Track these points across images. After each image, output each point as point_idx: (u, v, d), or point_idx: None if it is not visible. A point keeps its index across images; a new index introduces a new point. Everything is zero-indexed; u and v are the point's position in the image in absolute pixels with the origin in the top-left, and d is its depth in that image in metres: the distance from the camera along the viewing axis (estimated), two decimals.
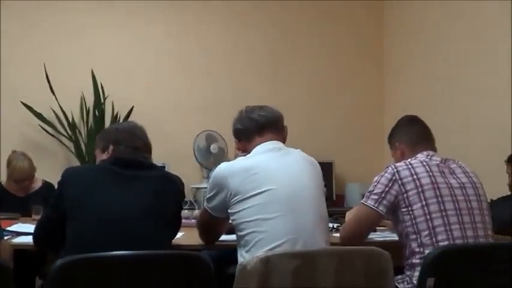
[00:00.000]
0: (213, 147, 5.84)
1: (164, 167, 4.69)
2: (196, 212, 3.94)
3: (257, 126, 2.81)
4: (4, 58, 5.85)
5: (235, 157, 2.84)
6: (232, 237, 2.87)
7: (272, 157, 2.71)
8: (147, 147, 2.86)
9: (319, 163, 2.88)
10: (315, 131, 6.20)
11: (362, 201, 2.88)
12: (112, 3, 6.04)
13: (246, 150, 2.84)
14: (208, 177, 5.53)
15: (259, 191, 2.56)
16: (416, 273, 2.60)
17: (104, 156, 2.83)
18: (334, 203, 5.82)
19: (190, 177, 5.42)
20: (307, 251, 2.39)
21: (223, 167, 2.69)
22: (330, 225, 3.11)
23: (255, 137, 2.80)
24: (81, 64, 5.81)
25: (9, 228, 3.36)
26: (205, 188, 5.33)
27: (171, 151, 5.57)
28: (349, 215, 3.25)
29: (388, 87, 6.34)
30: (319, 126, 6.30)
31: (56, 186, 4.38)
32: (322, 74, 6.38)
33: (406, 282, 2.73)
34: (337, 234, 3.09)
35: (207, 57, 6.20)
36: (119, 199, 2.52)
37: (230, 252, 3.29)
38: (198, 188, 5.71)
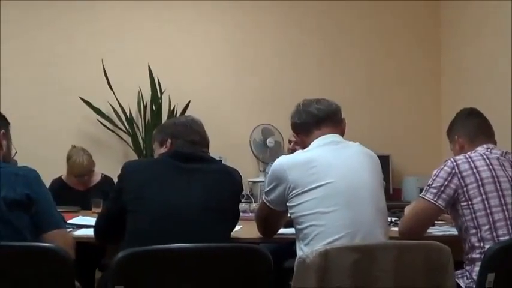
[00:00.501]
0: (269, 141, 5.84)
1: (221, 160, 4.71)
2: (254, 205, 3.95)
3: (315, 120, 2.79)
4: (63, 55, 5.97)
5: (289, 152, 2.83)
6: (290, 230, 2.87)
7: (330, 150, 2.69)
8: (204, 141, 2.88)
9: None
10: (372, 124, 6.13)
11: (421, 195, 2.85)
12: None
13: (304, 144, 2.82)
14: (264, 171, 5.54)
15: (318, 184, 2.54)
16: (476, 269, 2.56)
17: (162, 150, 2.86)
18: (392, 196, 5.76)
19: (247, 171, 5.44)
20: (366, 245, 2.36)
21: (282, 160, 2.68)
22: (388, 219, 3.08)
23: (313, 130, 2.78)
24: (138, 59, 5.87)
25: (70, 221, 3.42)
26: (262, 181, 5.39)
27: (228, 145, 5.59)
28: (408, 209, 3.22)
29: (446, 80, 6.22)
30: (377, 119, 6.23)
31: (114, 180, 4.48)
32: (380, 67, 6.30)
33: (465, 278, 2.69)
34: (396, 228, 3.06)
35: (264, 51, 6.19)
36: (178, 192, 2.54)
37: (287, 246, 3.31)
38: (254, 182, 5.71)
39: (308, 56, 6.24)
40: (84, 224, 3.39)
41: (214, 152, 2.97)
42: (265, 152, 5.86)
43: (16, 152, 2.73)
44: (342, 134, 2.84)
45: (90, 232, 2.89)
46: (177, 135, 2.83)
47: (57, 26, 6.04)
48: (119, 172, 2.75)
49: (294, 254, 2.75)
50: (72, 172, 4.66)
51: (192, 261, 2.14)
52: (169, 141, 2.84)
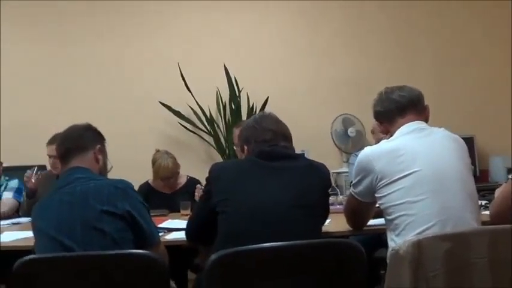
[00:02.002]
0: (351, 131, 5.80)
1: (304, 153, 4.70)
2: (340, 197, 3.92)
3: (398, 107, 2.74)
4: (140, 59, 6.11)
5: (377, 142, 2.78)
6: (378, 221, 2.84)
7: (416, 138, 2.65)
8: (279, 135, 2.79)
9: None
10: (453, 106, 5.98)
11: (510, 176, 2.75)
12: None
13: (388, 132, 2.79)
14: (348, 161, 5.50)
15: (406, 173, 2.51)
16: None
17: (244, 154, 2.87)
18: (478, 179, 5.57)
19: (330, 162, 5.37)
20: (459, 233, 2.31)
21: (367, 151, 2.66)
22: (479, 202, 2.99)
23: (396, 118, 2.74)
24: (214, 60, 5.95)
25: (161, 225, 3.47)
26: (346, 172, 5.36)
27: (309, 137, 5.57)
28: (498, 191, 3.12)
29: None
30: (458, 101, 6.09)
31: (199, 181, 4.54)
32: (461, 47, 6.15)
33: None
34: (487, 212, 2.97)
35: (338, 41, 6.16)
36: (266, 191, 2.54)
37: (376, 235, 3.27)
38: (338, 173, 5.69)
39: (383, 43, 6.16)
40: (174, 227, 3.43)
41: (296, 145, 2.95)
42: (347, 142, 5.83)
43: (112, 167, 2.80)
44: (426, 120, 2.78)
45: (181, 235, 2.93)
46: (249, 140, 2.82)
47: (132, 33, 6.19)
48: (204, 173, 2.78)
49: (384, 244, 2.73)
50: (158, 175, 4.72)
51: (285, 260, 2.15)
52: (245, 147, 2.85)
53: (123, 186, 2.50)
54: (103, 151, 2.73)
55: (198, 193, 4.21)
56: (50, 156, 4.55)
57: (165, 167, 4.67)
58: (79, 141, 2.67)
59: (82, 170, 2.58)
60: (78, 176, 2.54)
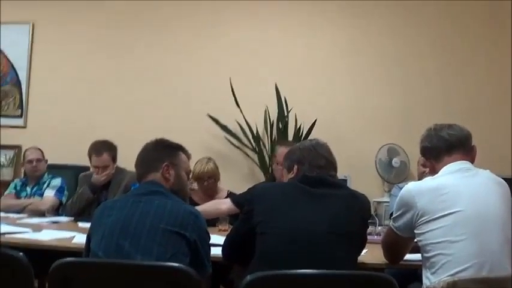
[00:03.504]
0: (395, 161, 5.77)
1: (346, 180, 4.70)
2: (379, 228, 3.90)
3: (446, 145, 2.75)
4: (193, 73, 6.19)
5: (420, 177, 2.78)
6: (415, 256, 2.83)
7: (460, 177, 2.65)
8: (331, 165, 2.88)
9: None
10: (493, 145, 5.65)
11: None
12: (292, 17, 6.22)
13: (434, 169, 2.79)
14: (389, 191, 5.47)
15: (447, 212, 2.51)
16: None
17: (290, 175, 2.90)
18: None
19: (371, 191, 5.39)
20: (495, 277, 2.33)
21: (411, 187, 2.67)
22: None
23: (443, 156, 2.74)
24: (265, 77, 6.00)
25: None
26: (387, 202, 5.32)
27: (352, 164, 5.57)
28: None
29: None
30: (498, 139, 5.82)
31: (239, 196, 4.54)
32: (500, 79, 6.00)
33: None
34: None
35: (386, 70, 6.12)
36: (306, 216, 2.56)
37: (411, 269, 3.25)
38: (379, 202, 5.66)
39: (429, 74, 6.07)
40: (211, 243, 3.44)
41: (339, 171, 2.96)
42: (391, 172, 5.79)
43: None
44: (472, 161, 2.78)
45: (217, 251, 2.93)
46: (302, 161, 2.85)
47: (186, 45, 6.31)
48: (245, 189, 2.81)
49: (417, 278, 2.73)
50: (194, 175, 4.65)
51: (317, 287, 2.16)
52: (295, 167, 2.87)
53: (196, 213, 2.59)
54: (175, 164, 2.79)
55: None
56: (96, 167, 4.58)
57: (202, 167, 4.67)
58: (147, 165, 2.75)
59: (159, 185, 2.68)
60: (156, 189, 2.64)
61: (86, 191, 4.59)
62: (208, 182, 4.71)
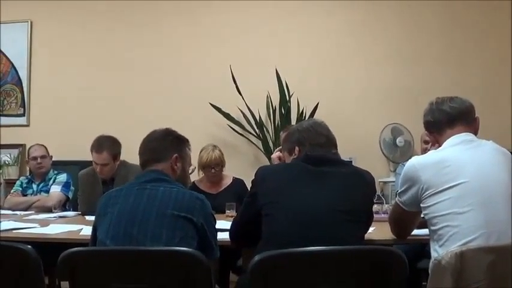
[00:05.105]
0: (399, 140, 5.77)
1: (351, 161, 4.68)
2: (386, 206, 3.91)
3: (448, 118, 2.74)
4: (193, 61, 6.19)
5: (423, 154, 2.77)
6: (423, 231, 2.83)
7: (463, 149, 2.64)
8: (331, 142, 2.87)
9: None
10: (502, 119, 5.80)
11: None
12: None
13: (437, 143, 2.79)
14: (395, 171, 5.47)
15: (452, 184, 2.50)
16: None
17: (292, 157, 2.90)
18: None
19: (377, 171, 5.39)
20: (503, 245, 2.32)
21: (414, 161, 2.66)
22: None
23: (446, 129, 2.74)
24: (265, 63, 5.99)
25: None
26: (393, 181, 5.32)
27: (357, 145, 5.58)
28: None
29: None
30: (503, 112, 5.89)
31: (245, 182, 4.56)
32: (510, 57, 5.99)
33: None
34: None
35: (388, 49, 6.12)
36: (311, 195, 2.56)
37: (420, 246, 3.25)
38: (385, 182, 5.66)
39: (432, 51, 6.07)
40: (219, 228, 3.45)
41: (344, 153, 2.97)
42: (395, 152, 5.79)
43: (195, 168, 2.83)
44: (475, 133, 2.77)
45: (225, 236, 2.95)
46: (302, 141, 2.86)
47: (185, 35, 6.30)
48: (251, 175, 2.81)
49: (427, 255, 2.73)
50: (201, 163, 4.73)
51: (327, 264, 2.17)
52: (296, 148, 2.87)
53: (202, 198, 2.62)
54: (182, 157, 2.80)
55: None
56: (96, 163, 4.56)
57: (209, 155, 4.69)
58: (155, 154, 2.75)
59: (163, 174, 2.68)
60: (161, 177, 2.65)
61: None
62: (216, 170, 4.75)
